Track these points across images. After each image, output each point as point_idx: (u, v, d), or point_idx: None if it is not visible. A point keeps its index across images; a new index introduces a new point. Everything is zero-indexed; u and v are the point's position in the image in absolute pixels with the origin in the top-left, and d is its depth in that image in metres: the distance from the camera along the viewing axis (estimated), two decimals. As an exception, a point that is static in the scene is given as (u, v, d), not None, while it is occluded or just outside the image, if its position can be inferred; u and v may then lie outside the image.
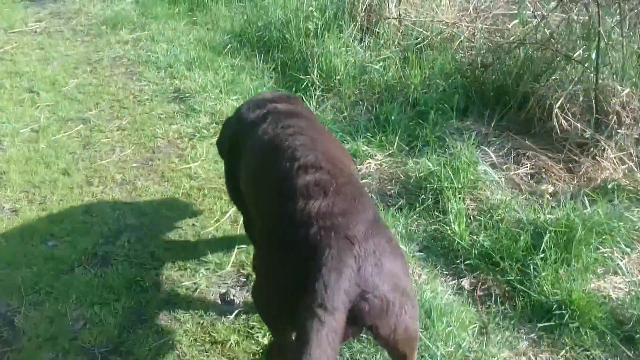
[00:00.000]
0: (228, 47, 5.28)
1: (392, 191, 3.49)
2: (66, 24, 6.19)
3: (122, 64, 5.23)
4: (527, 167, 3.57)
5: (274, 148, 2.08)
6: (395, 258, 1.73)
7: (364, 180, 3.60)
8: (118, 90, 4.76)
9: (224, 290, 2.79)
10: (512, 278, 2.81)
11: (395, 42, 4.81)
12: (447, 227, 3.13)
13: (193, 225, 3.25)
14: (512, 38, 4.12)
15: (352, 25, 4.94)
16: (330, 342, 1.48)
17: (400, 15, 5.06)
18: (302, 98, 4.36)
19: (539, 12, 4.11)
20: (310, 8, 5.19)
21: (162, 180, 3.64)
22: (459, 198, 3.27)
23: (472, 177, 3.38)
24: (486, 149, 3.65)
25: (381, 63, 4.55)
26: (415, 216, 3.27)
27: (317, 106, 4.35)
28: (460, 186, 3.32)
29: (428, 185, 3.37)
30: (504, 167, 3.58)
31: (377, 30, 4.89)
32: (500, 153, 3.72)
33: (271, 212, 1.92)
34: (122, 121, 4.30)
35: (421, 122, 4.01)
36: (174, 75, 4.89)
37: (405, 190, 3.49)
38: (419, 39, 4.73)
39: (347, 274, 1.56)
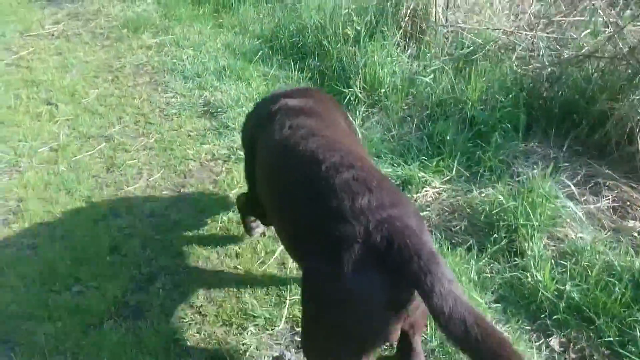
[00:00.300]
0: (259, 53, 4.88)
1: (457, 227, 3.09)
2: (85, 26, 5.81)
3: (145, 72, 4.84)
4: (608, 199, 3.16)
5: (289, 153, 2.03)
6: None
7: (423, 213, 3.20)
8: (142, 102, 4.38)
9: (277, 354, 2.41)
10: (612, 339, 2.41)
11: (445, 51, 4.39)
12: (527, 274, 2.72)
13: (235, 268, 2.87)
14: (584, 50, 3.67)
15: (395, 32, 4.52)
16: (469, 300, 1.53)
17: (448, 20, 4.63)
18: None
19: (612, 20, 3.67)
20: (346, 10, 4.79)
21: (196, 212, 3.26)
22: (538, 238, 2.86)
23: (549, 213, 2.97)
24: (563, 179, 3.22)
25: (431, 75, 4.13)
26: (487, 258, 2.87)
27: (362, 123, 3.95)
28: (537, 224, 2.91)
29: (500, 221, 2.96)
30: (583, 199, 3.17)
31: (424, 37, 4.47)
32: (574, 181, 3.30)
33: (311, 219, 1.80)
34: (148, 139, 3.92)
35: (481, 143, 3.60)
36: (203, 86, 4.50)
37: (472, 226, 3.09)
38: (471, 48, 4.31)
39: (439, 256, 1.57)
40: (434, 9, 4.62)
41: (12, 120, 4.13)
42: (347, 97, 4.11)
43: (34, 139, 3.93)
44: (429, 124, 3.86)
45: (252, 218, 2.93)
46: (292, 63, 4.69)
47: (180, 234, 3.10)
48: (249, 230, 2.97)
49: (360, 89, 4.15)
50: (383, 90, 4.13)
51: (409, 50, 4.54)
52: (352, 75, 4.24)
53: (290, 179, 1.99)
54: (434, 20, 4.61)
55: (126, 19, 5.78)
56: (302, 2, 5.47)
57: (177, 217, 3.22)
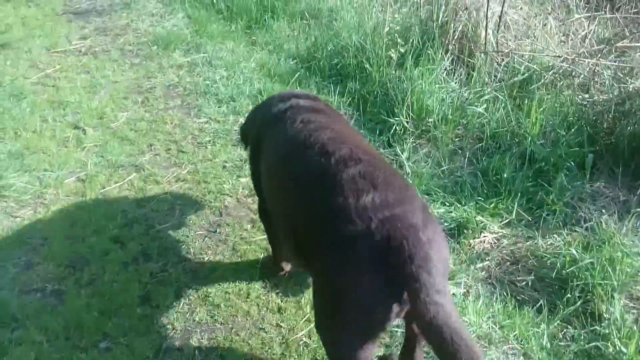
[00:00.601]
0: (296, 75, 4.62)
1: (523, 282, 2.78)
2: (113, 42, 5.60)
3: (177, 94, 4.61)
4: (691, 253, 2.83)
5: (299, 144, 2.04)
6: (445, 244, 1.77)
7: (481, 264, 2.90)
8: (174, 128, 4.14)
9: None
10: None
11: (497, 78, 4.09)
12: (607, 343, 2.41)
13: (278, 325, 2.60)
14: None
15: (442, 55, 4.23)
16: (459, 315, 1.58)
17: (497, 43, 4.33)
18: (388, 141, 3.72)
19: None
20: (387, 29, 4.52)
21: (233, 255, 3.01)
22: (617, 300, 2.55)
23: (628, 270, 2.66)
24: (637, 227, 2.91)
25: (485, 105, 3.83)
26: (559, 321, 2.56)
27: (409, 155, 3.66)
28: (616, 283, 2.59)
29: (574, 279, 2.65)
30: (663, 252, 2.84)
31: (475, 62, 4.17)
32: (648, 229, 2.98)
33: (316, 213, 1.83)
34: (181, 170, 3.68)
35: (542, 183, 3.30)
36: (238, 111, 4.26)
37: (540, 281, 2.79)
38: (526, 75, 4.00)
39: (435, 258, 1.59)
40: (483, 32, 4.32)
41: (37, 146, 3.91)
42: (393, 126, 3.82)
43: (61, 167, 3.71)
44: (483, 158, 3.57)
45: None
46: (331, 86, 4.43)
47: (216, 282, 2.84)
48: (277, 263, 2.83)
49: (406, 118, 3.86)
50: (431, 120, 3.85)
51: (456, 75, 4.25)
52: (397, 102, 3.96)
53: (299, 171, 2.00)
54: (483, 43, 4.32)
55: (156, 35, 5.55)
56: (339, 20, 5.23)
57: (213, 261, 2.96)
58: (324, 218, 1.78)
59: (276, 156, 2.20)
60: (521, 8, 4.82)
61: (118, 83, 4.80)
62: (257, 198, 2.73)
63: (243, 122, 2.96)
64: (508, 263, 2.92)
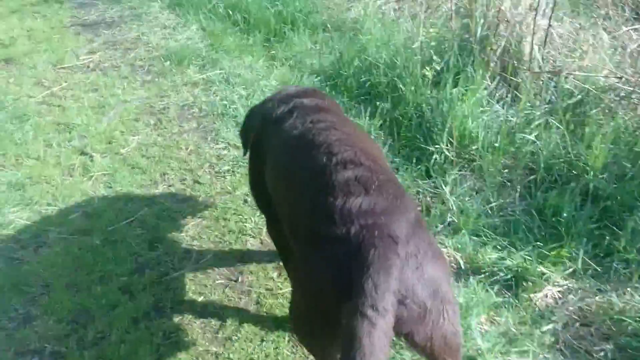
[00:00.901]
0: (321, 95, 4.22)
1: (601, 351, 2.37)
2: (123, 57, 5.26)
3: (192, 115, 4.24)
4: None
5: (307, 143, 1.98)
6: (436, 262, 1.61)
7: (547, 327, 2.50)
8: (189, 155, 3.77)
9: None
10: None
11: (546, 100, 3.68)
12: None
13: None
14: None
15: (482, 73, 3.83)
16: (382, 346, 1.41)
17: (543, 60, 3.93)
18: (427, 172, 3.34)
19: None
20: (417, 44, 4.14)
21: (258, 310, 2.62)
22: None
23: None
24: None
25: (537, 132, 3.43)
26: (649, 403, 2.15)
27: (452, 189, 3.27)
28: None
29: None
30: None
31: (520, 83, 3.77)
32: None
33: (307, 209, 1.79)
34: (197, 204, 3.30)
35: (608, 225, 2.89)
36: (259, 136, 3.86)
37: (621, 350, 2.37)
38: (579, 97, 3.60)
39: (394, 275, 1.48)
40: (527, 47, 3.92)
41: (40, 176, 3.56)
42: (432, 154, 3.43)
43: (65, 200, 3.36)
44: (537, 193, 3.16)
45: None
46: (360, 107, 4.05)
47: (239, 344, 2.46)
48: None
49: (447, 145, 3.47)
50: (475, 147, 3.45)
51: (498, 97, 3.85)
52: (436, 127, 3.57)
53: (303, 171, 1.94)
54: (527, 60, 3.91)
55: (168, 50, 5.20)
56: (364, 32, 4.85)
57: (235, 318, 2.59)
58: (313, 216, 1.74)
59: (284, 159, 2.12)
60: (562, 18, 4.42)
61: (128, 103, 4.45)
62: (264, 215, 2.59)
63: (242, 127, 2.71)
64: (578, 324, 2.51)
